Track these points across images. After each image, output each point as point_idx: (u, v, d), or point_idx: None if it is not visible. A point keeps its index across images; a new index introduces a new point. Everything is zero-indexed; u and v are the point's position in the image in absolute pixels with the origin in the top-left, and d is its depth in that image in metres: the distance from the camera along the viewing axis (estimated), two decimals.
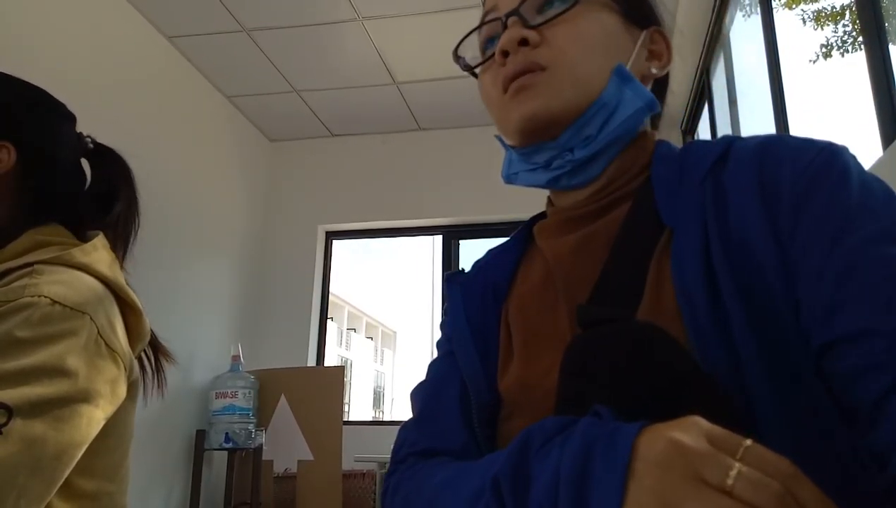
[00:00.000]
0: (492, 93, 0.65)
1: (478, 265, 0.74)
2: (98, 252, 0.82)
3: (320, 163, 4.22)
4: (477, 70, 0.69)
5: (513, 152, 0.68)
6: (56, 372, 0.69)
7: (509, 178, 0.70)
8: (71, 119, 0.95)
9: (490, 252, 0.75)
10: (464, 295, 0.69)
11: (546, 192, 0.71)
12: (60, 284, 0.74)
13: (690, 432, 0.37)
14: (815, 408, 0.47)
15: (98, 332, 0.75)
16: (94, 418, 0.73)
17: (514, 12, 0.63)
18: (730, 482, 0.34)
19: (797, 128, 2.15)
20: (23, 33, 2.39)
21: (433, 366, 0.71)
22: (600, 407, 0.44)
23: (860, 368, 0.44)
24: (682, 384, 0.45)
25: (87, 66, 2.70)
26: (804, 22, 2.25)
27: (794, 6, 2.35)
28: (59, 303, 0.72)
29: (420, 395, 0.69)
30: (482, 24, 0.68)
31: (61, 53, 2.56)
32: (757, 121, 2.57)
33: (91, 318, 0.74)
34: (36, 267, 0.75)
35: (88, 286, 0.77)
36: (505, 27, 0.63)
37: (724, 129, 2.98)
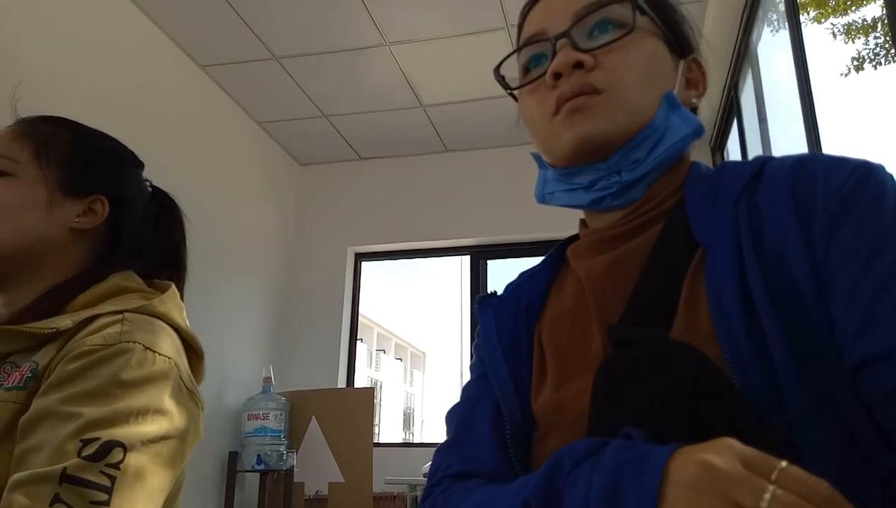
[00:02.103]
0: (536, 114, 0.65)
1: (510, 287, 0.75)
2: (172, 301, 0.89)
3: (349, 186, 4.27)
4: (517, 90, 0.69)
5: (549, 172, 0.68)
6: (157, 412, 0.75)
7: (544, 198, 0.69)
8: (141, 167, 1.02)
9: (522, 274, 0.75)
10: (496, 318, 0.70)
11: (578, 213, 0.71)
12: (148, 332, 0.80)
13: (723, 454, 0.36)
14: (853, 428, 0.46)
15: (180, 376, 0.81)
16: (185, 454, 0.79)
17: (565, 34, 0.63)
18: (763, 505, 0.34)
19: (829, 143, 2.11)
20: (55, 62, 2.48)
21: (467, 389, 0.71)
22: (632, 429, 0.44)
23: (893, 388, 0.43)
24: (715, 405, 0.45)
25: (122, 93, 2.78)
26: (834, 36, 2.22)
27: (823, 20, 2.32)
28: (150, 349, 0.78)
29: (454, 418, 0.69)
30: (527, 44, 0.67)
31: (96, 81, 2.65)
32: (788, 138, 2.53)
33: (175, 363, 0.81)
34: (126, 315, 0.81)
35: (168, 334, 0.83)
36: (554, 49, 0.63)
37: (754, 146, 2.94)
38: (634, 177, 0.61)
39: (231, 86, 3.51)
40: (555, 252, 0.73)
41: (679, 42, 0.67)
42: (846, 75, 2.12)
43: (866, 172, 0.52)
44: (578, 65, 0.61)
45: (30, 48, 2.34)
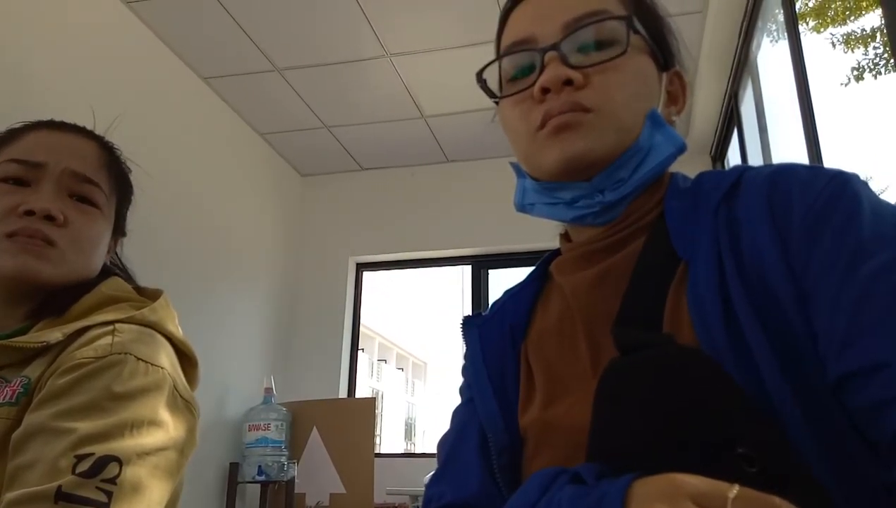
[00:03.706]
0: (520, 127, 0.64)
1: (495, 306, 0.74)
2: (164, 310, 0.87)
3: (351, 197, 4.28)
4: (501, 99, 0.67)
5: (529, 182, 0.67)
6: (152, 423, 0.73)
7: (524, 208, 0.68)
8: None
9: (507, 292, 0.75)
10: (481, 339, 0.69)
11: (559, 226, 0.71)
12: (139, 343, 0.78)
13: (675, 500, 0.36)
14: (845, 439, 0.46)
15: (173, 385, 0.79)
16: (181, 464, 0.78)
17: (555, 48, 0.61)
18: None
19: (830, 152, 2.12)
20: (56, 72, 2.49)
21: (456, 414, 0.71)
22: (583, 469, 0.44)
23: (878, 401, 0.43)
24: (727, 414, 0.44)
25: (124, 104, 2.79)
26: (834, 45, 2.23)
27: (822, 30, 2.33)
28: (143, 360, 0.77)
29: (444, 446, 0.69)
30: (512, 51, 0.65)
31: (98, 92, 2.66)
32: (789, 147, 2.54)
33: (168, 373, 0.79)
34: (117, 326, 0.79)
35: (160, 343, 0.82)
36: (542, 62, 0.61)
37: (754, 155, 2.95)
38: (617, 197, 0.61)
39: (233, 98, 3.53)
40: (538, 268, 0.73)
41: (664, 55, 0.66)
42: (846, 85, 2.12)
43: (842, 182, 0.52)
44: (568, 81, 0.60)
45: (31, 58, 2.36)
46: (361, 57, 3.19)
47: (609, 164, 0.60)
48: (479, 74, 0.68)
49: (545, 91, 0.61)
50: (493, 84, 0.68)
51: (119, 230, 0.96)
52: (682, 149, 0.62)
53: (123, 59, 2.83)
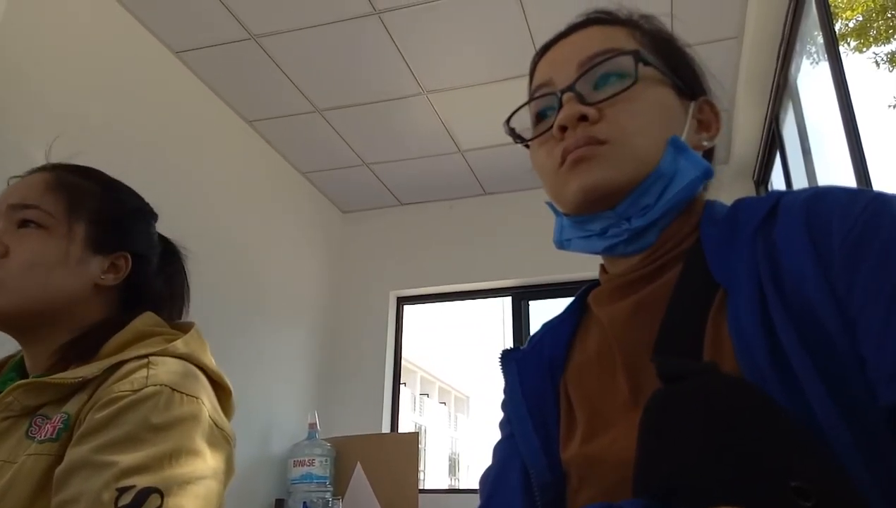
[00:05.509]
0: (546, 165, 0.67)
1: (533, 339, 0.74)
2: (195, 341, 0.89)
3: (390, 231, 4.33)
4: (528, 142, 0.71)
5: (564, 219, 0.69)
6: (190, 453, 0.74)
7: (562, 244, 0.71)
8: (155, 218, 1.05)
9: (544, 326, 0.75)
10: (520, 373, 0.69)
11: (598, 258, 0.71)
12: (174, 374, 0.80)
13: None
14: (894, 463, 0.44)
15: (209, 415, 0.81)
16: (220, 493, 0.78)
17: (570, 88, 0.64)
18: None
19: (879, 175, 2.06)
20: (105, 116, 2.61)
21: (497, 450, 0.71)
22: (629, 505, 0.44)
23: None
24: (779, 443, 0.43)
25: (173, 150, 2.91)
26: (877, 65, 2.19)
27: (864, 49, 2.29)
28: (178, 391, 0.78)
29: (486, 482, 0.69)
30: (534, 97, 0.70)
31: (148, 137, 2.78)
32: (835, 170, 2.48)
33: (203, 403, 0.81)
34: (151, 358, 0.81)
35: (193, 374, 0.84)
36: (560, 102, 0.64)
37: (799, 179, 2.88)
38: (645, 224, 0.62)
39: (276, 139, 3.64)
40: (576, 300, 0.73)
41: (689, 85, 0.67)
42: (894, 106, 2.07)
43: (881, 204, 0.51)
44: (583, 117, 0.62)
45: (88, 105, 2.48)
46: (399, 95, 3.27)
47: (631, 192, 0.61)
48: (507, 122, 0.73)
49: (563, 129, 0.64)
50: (526, 128, 0.72)
51: (106, 247, 0.92)
52: (707, 173, 0.63)
53: (171, 104, 2.96)
